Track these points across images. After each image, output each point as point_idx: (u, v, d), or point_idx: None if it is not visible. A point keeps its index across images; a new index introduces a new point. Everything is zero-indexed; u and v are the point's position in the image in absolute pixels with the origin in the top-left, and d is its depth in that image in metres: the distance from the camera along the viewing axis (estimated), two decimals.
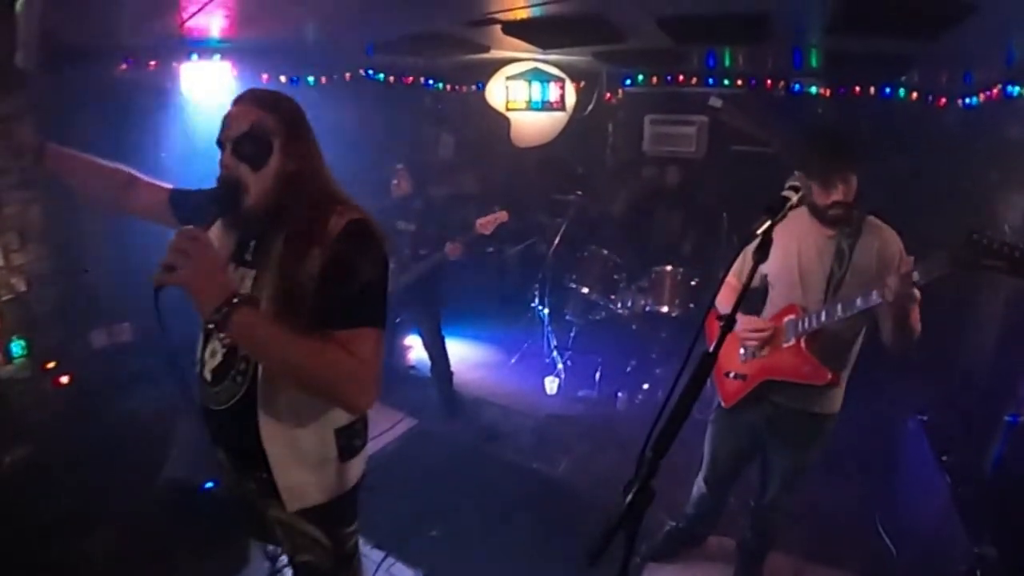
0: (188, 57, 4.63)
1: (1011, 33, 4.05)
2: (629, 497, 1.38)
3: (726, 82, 6.58)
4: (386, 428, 5.03)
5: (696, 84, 6.66)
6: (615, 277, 5.89)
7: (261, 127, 1.91)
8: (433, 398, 5.51)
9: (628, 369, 5.90)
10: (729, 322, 1.59)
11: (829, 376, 2.85)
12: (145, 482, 3.63)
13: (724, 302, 3.07)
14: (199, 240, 1.70)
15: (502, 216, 5.16)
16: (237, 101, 1.96)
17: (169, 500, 3.58)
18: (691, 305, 5.65)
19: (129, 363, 4.65)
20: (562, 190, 6.61)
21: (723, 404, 3.24)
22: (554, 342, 6.16)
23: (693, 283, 5.71)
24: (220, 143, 1.94)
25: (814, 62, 5.67)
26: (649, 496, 1.40)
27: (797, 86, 6.32)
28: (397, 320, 5.99)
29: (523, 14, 4.24)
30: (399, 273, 5.06)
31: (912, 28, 4.05)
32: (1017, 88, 4.83)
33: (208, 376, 2.06)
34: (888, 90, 6.01)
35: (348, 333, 1.82)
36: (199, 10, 3.48)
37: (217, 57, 4.73)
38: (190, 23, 3.82)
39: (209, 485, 3.67)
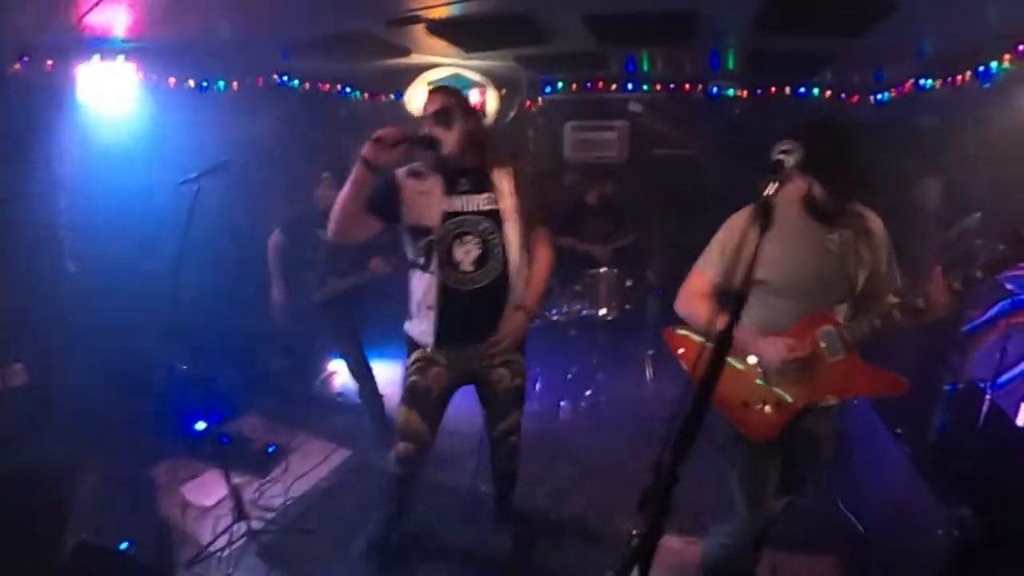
0: (89, 57, 4.24)
1: (925, 28, 4.17)
2: (653, 507, 1.25)
3: (645, 87, 6.68)
4: (318, 462, 4.73)
5: (616, 90, 6.73)
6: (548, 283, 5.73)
7: None
8: (365, 426, 5.10)
9: (568, 377, 5.79)
10: (725, 339, 1.42)
11: (905, 382, 2.58)
12: (47, 548, 3.22)
13: (695, 314, 2.74)
14: None
15: None
16: None
17: (78, 567, 3.20)
18: (627, 307, 5.63)
19: (23, 410, 4.20)
20: None
21: (755, 438, 2.71)
22: None
23: (628, 284, 5.70)
24: None
25: (731, 64, 5.80)
26: (670, 507, 1.27)
27: (715, 89, 6.44)
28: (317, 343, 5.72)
29: (446, 12, 4.10)
30: (316, 289, 4.78)
31: (835, 27, 4.13)
32: (930, 81, 5.00)
33: None
34: (803, 90, 6.16)
35: None
36: (99, 1, 3.19)
37: (121, 58, 4.36)
38: (91, 19, 3.51)
39: (123, 546, 3.33)
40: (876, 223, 2.66)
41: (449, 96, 3.13)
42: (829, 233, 2.58)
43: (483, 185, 3.15)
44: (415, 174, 3.15)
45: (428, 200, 3.10)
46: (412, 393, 3.32)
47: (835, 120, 2.56)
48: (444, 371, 3.28)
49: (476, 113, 3.20)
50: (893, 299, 2.66)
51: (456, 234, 3.09)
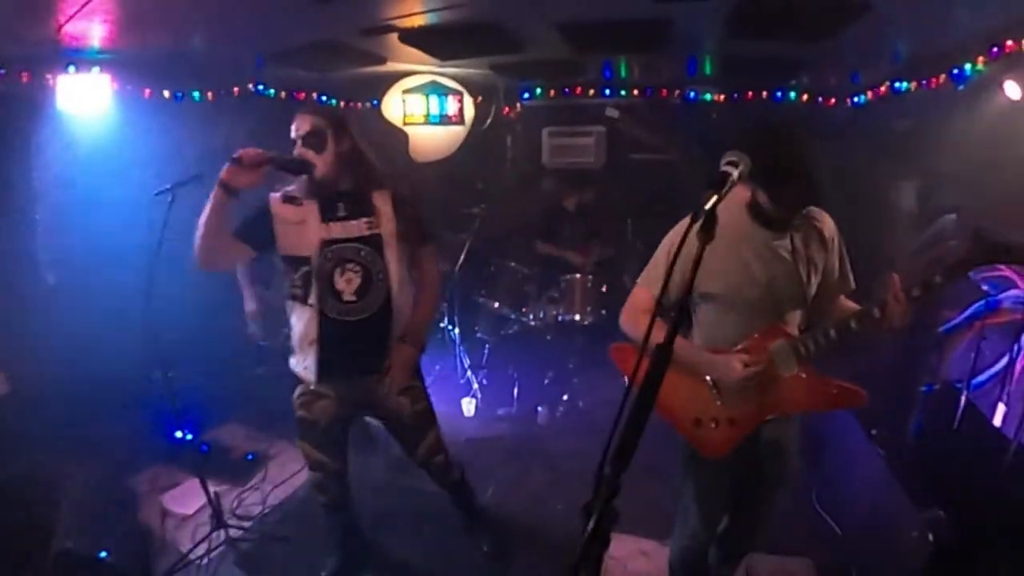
0: (65, 69, 4.24)
1: (898, 31, 4.19)
2: (592, 521, 1.23)
3: (622, 92, 6.74)
4: (297, 470, 4.66)
5: (593, 96, 6.80)
6: (525, 289, 5.82)
7: None
8: None
9: (546, 382, 5.81)
10: (665, 352, 1.36)
11: (864, 394, 2.50)
12: (30, 556, 3.26)
13: (638, 330, 2.58)
14: None
15: None
16: None
17: (59, 575, 3.24)
18: (603, 311, 5.63)
19: (5, 420, 4.18)
20: (464, 205, 6.46)
21: (707, 455, 2.65)
22: (467, 361, 5.96)
23: (603, 289, 5.72)
24: None
25: (708, 69, 5.83)
26: (612, 516, 1.25)
27: (692, 93, 6.50)
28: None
29: (419, 21, 4.11)
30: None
31: (807, 30, 4.13)
32: (905, 83, 5.01)
33: None
34: (780, 94, 6.18)
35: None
36: (78, 11, 3.19)
37: (96, 69, 4.35)
38: (67, 29, 3.51)
39: (103, 555, 3.35)
40: (828, 225, 2.57)
41: (320, 117, 2.94)
42: (779, 239, 2.48)
43: (362, 209, 3.00)
44: (290, 200, 2.97)
45: (304, 228, 2.94)
46: (300, 427, 3.22)
47: (781, 128, 2.37)
48: (332, 403, 3.15)
49: (350, 133, 2.99)
50: (849, 306, 2.63)
51: (335, 263, 2.96)
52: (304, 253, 2.94)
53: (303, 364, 3.07)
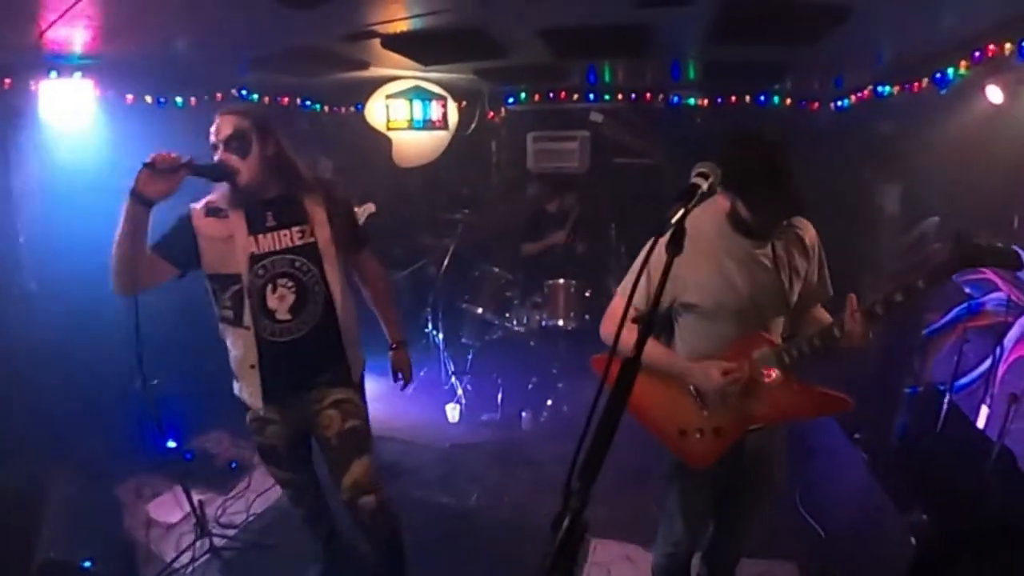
0: (47, 74, 4.19)
1: (881, 35, 4.19)
2: (561, 533, 1.22)
3: (607, 97, 6.73)
4: None
5: (577, 100, 6.77)
6: (508, 294, 5.85)
7: None
8: None
9: (529, 387, 5.79)
10: (633, 364, 1.35)
11: (850, 400, 2.46)
12: (13, 565, 3.24)
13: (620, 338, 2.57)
14: None
15: (369, 207, 4.96)
16: None
17: None
18: (586, 316, 5.61)
19: None
20: (448, 210, 6.46)
21: (692, 465, 2.62)
22: (451, 367, 5.96)
23: (587, 294, 5.72)
24: None
25: (692, 74, 5.84)
26: (582, 529, 1.23)
27: (676, 98, 6.51)
28: None
29: (402, 26, 4.10)
30: None
31: (789, 34, 4.13)
32: (888, 87, 5.02)
33: None
34: (763, 98, 6.19)
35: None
36: (60, 17, 3.15)
37: (78, 75, 4.30)
38: (49, 35, 3.48)
39: (87, 564, 3.33)
40: (808, 233, 2.55)
41: (243, 118, 2.66)
42: (760, 248, 2.45)
43: (293, 217, 2.76)
44: (213, 212, 2.71)
45: (231, 243, 2.69)
46: (260, 451, 3.10)
47: (758, 139, 2.30)
48: (280, 427, 2.95)
49: (275, 135, 2.73)
50: (822, 316, 2.64)
51: (267, 279, 2.72)
52: (233, 271, 2.71)
53: (247, 390, 2.88)
